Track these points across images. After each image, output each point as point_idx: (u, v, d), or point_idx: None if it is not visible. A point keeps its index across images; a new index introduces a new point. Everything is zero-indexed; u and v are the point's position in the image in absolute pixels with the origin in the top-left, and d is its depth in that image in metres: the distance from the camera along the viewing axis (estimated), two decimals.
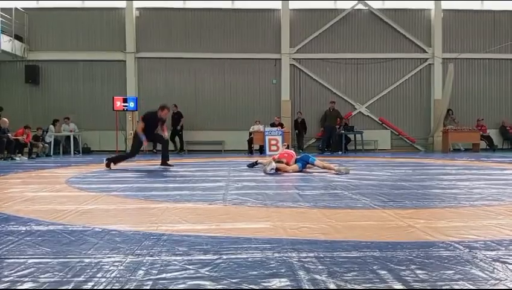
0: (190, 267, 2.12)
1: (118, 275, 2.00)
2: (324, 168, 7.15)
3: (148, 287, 1.85)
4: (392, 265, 2.13)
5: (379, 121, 16.09)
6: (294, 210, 3.70)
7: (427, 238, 2.69)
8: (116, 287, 1.85)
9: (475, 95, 16.37)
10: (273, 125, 14.27)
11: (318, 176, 6.58)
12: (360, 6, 15.96)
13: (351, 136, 15.28)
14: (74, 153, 13.85)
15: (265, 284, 1.88)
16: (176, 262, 2.20)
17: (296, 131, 15.40)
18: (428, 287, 1.84)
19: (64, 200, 4.36)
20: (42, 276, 2.00)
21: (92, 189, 5.18)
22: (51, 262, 2.22)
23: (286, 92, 15.74)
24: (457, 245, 2.51)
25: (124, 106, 14.53)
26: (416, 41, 15.97)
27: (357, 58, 15.99)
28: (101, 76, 15.67)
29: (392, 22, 15.89)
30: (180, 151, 14.68)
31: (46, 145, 13.30)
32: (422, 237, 2.73)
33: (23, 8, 15.02)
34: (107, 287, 1.85)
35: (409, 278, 1.96)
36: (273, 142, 13.37)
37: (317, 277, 1.97)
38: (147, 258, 2.28)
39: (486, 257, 2.26)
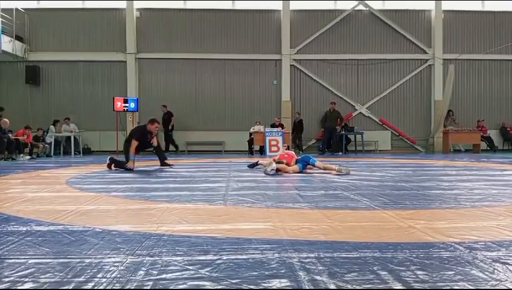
0: (190, 267, 2.12)
1: (118, 276, 2.00)
2: (325, 169, 7.16)
3: (148, 288, 1.85)
4: (392, 266, 2.13)
5: (379, 122, 16.10)
6: (294, 211, 3.70)
7: (428, 239, 2.69)
8: (117, 288, 1.85)
9: (475, 96, 16.38)
10: (273, 126, 14.27)
11: (318, 176, 6.57)
12: (361, 7, 15.97)
13: (352, 136, 15.28)
14: (74, 154, 13.85)
15: (265, 284, 1.88)
16: (176, 263, 2.20)
17: (294, 132, 15.40)
18: (429, 288, 1.84)
19: (65, 200, 4.36)
20: (42, 276, 2.00)
21: (93, 189, 5.18)
22: (51, 262, 2.22)
23: (286, 93, 15.75)
24: (457, 246, 2.50)
25: (124, 106, 14.55)
26: (416, 42, 15.98)
27: (358, 59, 16.00)
28: (101, 77, 15.69)
29: (392, 23, 15.90)
30: (177, 151, 14.62)
31: (47, 145, 13.32)
32: (423, 238, 2.72)
33: (23, 9, 15.05)
34: (107, 288, 1.85)
35: (409, 278, 1.96)
36: (273, 142, 13.38)
37: (318, 277, 1.97)
38: (147, 258, 2.28)
39: (487, 258, 2.26)
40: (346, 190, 4.99)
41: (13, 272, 2.06)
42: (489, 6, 16.29)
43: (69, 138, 14.13)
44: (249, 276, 1.99)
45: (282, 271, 2.06)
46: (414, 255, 2.31)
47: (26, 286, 1.89)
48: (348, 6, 15.94)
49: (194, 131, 15.57)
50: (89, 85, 15.64)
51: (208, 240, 2.68)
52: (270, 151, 13.09)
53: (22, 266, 2.15)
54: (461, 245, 2.52)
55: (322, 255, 2.31)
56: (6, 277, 2.00)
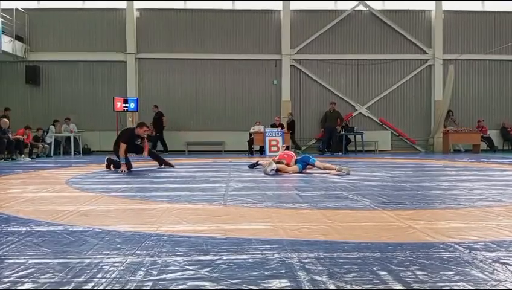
0: (190, 267, 2.12)
1: (118, 276, 2.00)
2: (324, 169, 7.16)
3: (148, 288, 1.85)
4: (392, 266, 2.13)
5: (379, 122, 16.10)
6: (294, 211, 3.70)
7: (427, 239, 2.69)
8: (116, 288, 1.85)
9: (475, 96, 16.38)
10: (273, 125, 14.27)
11: (318, 177, 6.57)
12: (361, 7, 15.98)
13: (351, 137, 15.28)
14: (74, 154, 13.86)
15: (265, 285, 1.88)
16: (176, 263, 2.20)
17: (290, 132, 15.31)
18: (428, 288, 1.84)
19: (65, 200, 4.36)
20: (42, 276, 2.00)
21: (92, 190, 5.18)
22: (51, 262, 2.22)
23: (286, 93, 15.75)
24: (457, 246, 2.50)
25: (124, 106, 14.55)
26: (416, 42, 15.98)
27: (358, 59, 16.00)
28: (101, 77, 15.70)
29: (392, 23, 15.90)
30: (164, 151, 14.38)
31: (47, 145, 13.32)
32: (423, 238, 2.73)
33: (23, 9, 15.05)
34: (107, 288, 1.85)
35: (409, 279, 1.96)
36: (273, 143, 13.38)
37: (317, 277, 1.97)
38: (147, 258, 2.28)
39: (486, 258, 2.26)
40: (346, 190, 4.99)
41: (13, 272, 2.07)
42: (489, 7, 16.29)
43: (69, 138, 14.13)
44: (249, 276, 1.99)
45: (282, 271, 2.06)
46: (414, 256, 2.31)
47: (26, 286, 1.89)
48: (348, 6, 15.94)
49: (194, 131, 15.57)
50: (89, 85, 15.64)
51: (208, 240, 2.68)
52: (270, 151, 13.09)
53: (22, 266, 2.15)
54: (461, 245, 2.52)
55: (321, 256, 2.31)
56: (6, 277, 2.00)
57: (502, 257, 2.28)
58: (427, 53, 16.03)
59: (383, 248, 2.48)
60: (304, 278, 1.96)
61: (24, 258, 2.29)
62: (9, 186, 5.74)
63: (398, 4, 16.13)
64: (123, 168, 7.61)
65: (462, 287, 1.85)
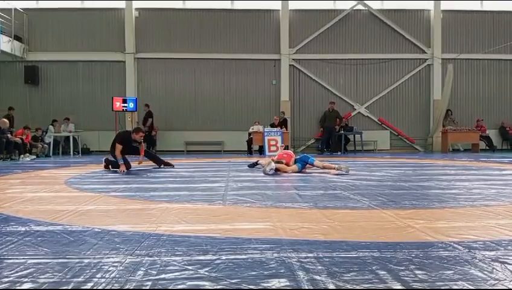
0: (189, 267, 2.12)
1: (117, 276, 2.00)
2: (324, 168, 7.16)
3: (147, 288, 1.85)
4: (391, 265, 2.14)
5: (378, 122, 16.11)
6: (293, 210, 3.70)
7: (427, 239, 2.69)
8: (116, 288, 1.85)
9: (474, 95, 16.40)
10: (272, 125, 14.27)
11: (317, 176, 6.58)
12: (360, 6, 15.98)
13: (351, 136, 15.29)
14: (73, 154, 13.85)
15: (264, 284, 1.88)
16: (175, 262, 2.20)
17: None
18: (428, 288, 1.85)
19: (64, 200, 4.36)
20: (41, 276, 2.00)
21: (91, 189, 5.18)
22: (50, 262, 2.22)
23: (285, 93, 15.75)
24: (456, 245, 2.51)
25: (123, 106, 14.53)
26: (415, 41, 15.99)
27: (357, 59, 16.01)
28: (100, 76, 15.68)
29: (391, 23, 15.91)
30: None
31: (46, 145, 13.31)
32: (422, 238, 2.73)
33: (22, 9, 15.03)
34: (106, 288, 1.85)
35: (408, 278, 1.96)
36: (272, 142, 13.38)
37: (317, 277, 1.97)
38: (146, 258, 2.28)
39: (486, 257, 2.27)
40: (345, 189, 4.99)
41: (12, 272, 2.06)
42: (488, 6, 16.31)
43: (68, 138, 14.12)
44: (248, 276, 1.99)
45: (282, 271, 2.06)
46: (413, 255, 2.31)
47: (25, 286, 1.88)
48: (347, 6, 15.95)
49: (193, 131, 15.57)
50: (87, 85, 15.63)
51: (207, 240, 2.68)
52: (269, 151, 13.09)
53: (21, 266, 2.15)
54: (460, 245, 2.52)
55: (321, 255, 2.32)
56: (6, 277, 2.00)
57: (501, 256, 2.29)
58: (426, 52, 16.04)
59: (382, 247, 2.48)
60: (304, 277, 1.96)
61: (23, 258, 2.29)
62: (8, 186, 5.74)
63: (397, 4, 16.14)
64: (122, 168, 7.61)
65: (461, 287, 1.85)
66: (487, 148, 15.26)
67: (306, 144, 15.95)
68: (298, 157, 7.50)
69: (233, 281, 1.93)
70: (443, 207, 3.87)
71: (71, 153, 13.83)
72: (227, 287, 1.85)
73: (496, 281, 1.91)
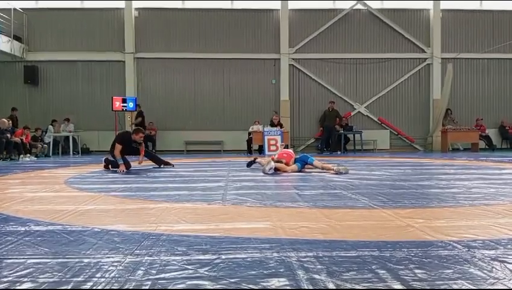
0: (189, 267, 2.12)
1: (117, 275, 2.00)
2: (323, 168, 7.16)
3: (147, 287, 1.85)
4: (390, 264, 2.14)
5: (378, 121, 16.11)
6: (293, 210, 3.70)
7: (426, 238, 2.69)
8: (115, 287, 1.85)
9: (474, 94, 16.40)
10: (272, 124, 14.27)
11: (317, 176, 6.58)
12: (359, 6, 15.98)
13: (350, 136, 15.29)
14: (73, 154, 13.85)
15: (264, 283, 1.88)
16: (175, 262, 2.20)
17: None
18: (427, 287, 1.85)
19: (63, 200, 4.36)
20: (41, 276, 2.00)
21: (91, 189, 5.18)
22: (50, 262, 2.22)
23: (285, 92, 15.75)
24: (456, 244, 2.51)
25: (123, 106, 14.52)
26: (415, 41, 15.99)
27: (356, 58, 16.01)
28: (100, 76, 15.68)
29: (391, 22, 15.91)
30: None
31: (45, 145, 13.30)
32: (421, 237, 2.73)
33: (22, 9, 15.02)
34: (106, 287, 1.85)
35: (407, 277, 1.96)
36: (272, 142, 13.38)
37: (316, 276, 1.97)
38: (146, 258, 2.28)
39: (485, 256, 2.27)
40: (344, 189, 5.00)
41: (12, 272, 2.06)
42: (488, 6, 16.30)
43: (67, 137, 14.12)
44: (248, 275, 1.99)
45: (281, 270, 2.06)
46: (412, 254, 2.32)
47: (25, 286, 1.89)
48: (346, 5, 15.94)
49: (193, 130, 15.56)
50: (87, 85, 15.63)
51: (207, 239, 2.68)
52: (269, 150, 13.08)
53: (21, 266, 2.15)
54: (459, 244, 2.52)
55: (320, 254, 2.32)
56: (5, 276, 2.00)
57: (500, 255, 2.29)
58: (425, 52, 16.04)
59: (381, 246, 2.48)
60: (303, 277, 1.96)
61: (23, 258, 2.29)
62: (8, 186, 5.74)
63: (397, 3, 16.14)
64: (122, 168, 7.61)
65: (460, 286, 1.85)
66: (487, 147, 15.27)
67: (306, 144, 15.95)
68: (298, 157, 7.50)
69: (233, 280, 1.93)
70: (442, 206, 3.87)
71: (71, 153, 13.83)
72: (227, 287, 1.85)
73: (496, 280, 1.92)
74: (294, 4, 15.80)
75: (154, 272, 2.05)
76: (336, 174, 6.73)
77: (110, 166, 8.09)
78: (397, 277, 1.97)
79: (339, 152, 14.30)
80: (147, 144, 13.82)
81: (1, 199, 4.48)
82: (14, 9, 14.48)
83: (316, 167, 7.24)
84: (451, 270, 2.05)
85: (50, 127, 14.11)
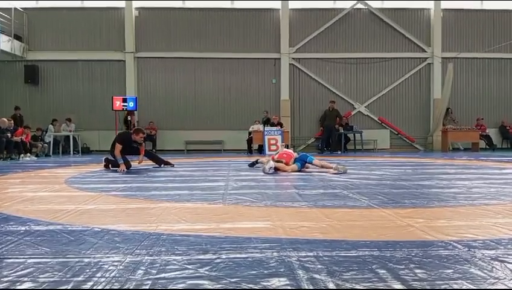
0: (189, 266, 2.12)
1: (117, 275, 2.00)
2: (322, 167, 7.16)
3: (147, 287, 1.85)
4: (391, 264, 2.14)
5: (378, 121, 16.10)
6: (293, 210, 3.70)
7: (426, 238, 2.69)
8: (116, 287, 1.85)
9: (474, 94, 16.39)
10: (272, 124, 14.27)
11: (317, 175, 6.58)
12: (360, 5, 15.96)
13: (351, 135, 15.28)
14: (73, 153, 13.85)
15: (264, 283, 1.88)
16: (175, 262, 2.20)
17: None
18: (427, 287, 1.85)
19: (64, 200, 4.36)
20: (41, 276, 2.00)
21: (91, 189, 5.18)
22: (50, 262, 2.22)
23: (285, 92, 15.75)
24: (456, 244, 2.51)
25: (123, 105, 14.51)
26: (415, 40, 15.98)
27: (357, 58, 16.00)
28: (100, 76, 15.68)
29: (391, 22, 15.89)
30: None
31: (46, 145, 13.31)
32: (421, 236, 2.73)
33: (22, 8, 15.02)
34: (106, 287, 1.85)
35: (408, 277, 1.96)
36: (272, 141, 13.38)
37: (317, 276, 1.97)
38: (146, 257, 2.28)
39: (485, 256, 2.27)
40: (345, 188, 4.99)
41: (12, 271, 2.07)
42: (488, 5, 16.29)
43: (68, 137, 14.12)
44: (248, 275, 2.00)
45: (281, 270, 2.06)
46: (413, 254, 2.32)
47: (25, 285, 1.89)
48: (347, 5, 15.93)
49: (193, 130, 15.56)
50: (87, 84, 15.63)
51: (207, 239, 2.68)
52: (269, 150, 13.08)
53: (21, 266, 2.15)
54: (460, 243, 2.52)
55: (320, 254, 2.32)
56: (5, 276, 2.00)
57: (500, 255, 2.29)
58: (426, 51, 16.03)
59: (382, 246, 2.48)
60: (303, 276, 1.96)
61: (23, 258, 2.29)
62: (8, 185, 5.74)
63: (397, 3, 16.12)
64: (122, 167, 7.61)
65: (461, 285, 1.85)
66: (487, 147, 15.26)
67: (306, 143, 15.95)
68: (297, 156, 7.50)
69: (233, 280, 1.93)
70: (443, 206, 3.87)
71: (71, 152, 13.83)
72: (227, 286, 1.85)
73: (496, 280, 1.92)
74: (294, 3, 15.79)
75: (155, 271, 2.05)
76: (335, 173, 6.73)
77: (110, 166, 8.09)
78: (397, 276, 1.97)
79: (339, 152, 14.30)
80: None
81: (1, 198, 4.48)
82: (15, 8, 14.48)
83: (316, 166, 7.24)
84: (452, 270, 2.05)
85: (50, 126, 14.11)
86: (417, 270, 2.04)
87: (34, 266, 2.15)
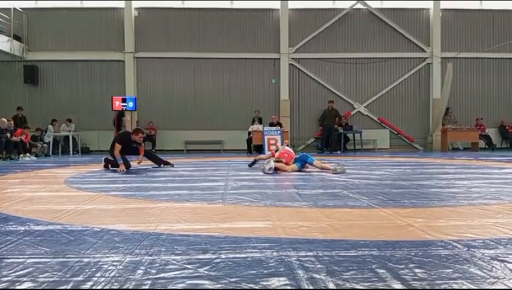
0: (189, 266, 2.12)
1: (116, 275, 2.00)
2: (322, 168, 7.15)
3: (147, 287, 1.85)
4: (390, 264, 2.14)
5: (378, 121, 16.11)
6: (293, 209, 3.70)
7: (426, 237, 2.69)
8: (115, 287, 1.85)
9: (474, 94, 16.40)
10: (271, 124, 14.27)
11: (317, 175, 6.58)
12: (359, 5, 15.97)
13: (350, 135, 15.28)
14: (73, 153, 13.84)
15: (264, 283, 1.88)
16: (174, 261, 2.20)
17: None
18: (427, 286, 1.85)
19: (63, 200, 4.36)
20: (41, 276, 2.00)
21: (91, 189, 5.18)
22: (49, 262, 2.22)
23: (285, 92, 15.75)
24: (455, 244, 2.51)
25: (123, 105, 14.50)
26: (415, 40, 15.99)
27: (356, 58, 16.00)
28: (99, 76, 15.67)
29: (390, 22, 15.90)
30: None
31: (45, 145, 13.30)
32: (421, 236, 2.73)
33: (21, 8, 15.01)
34: (105, 287, 1.85)
35: (407, 277, 1.96)
36: (272, 141, 13.37)
37: (316, 276, 1.97)
38: (145, 257, 2.28)
39: (485, 256, 2.27)
40: (344, 188, 4.99)
41: (11, 271, 2.06)
42: (488, 5, 16.30)
43: (67, 137, 14.11)
44: (248, 275, 1.99)
45: (281, 270, 2.06)
46: (412, 254, 2.32)
47: (25, 285, 1.88)
48: (346, 5, 15.93)
49: (193, 130, 15.55)
50: (87, 84, 15.62)
51: (207, 239, 2.68)
52: (269, 150, 13.06)
53: (21, 266, 2.15)
54: (459, 243, 2.52)
55: (320, 254, 2.32)
56: (5, 276, 2.00)
57: (500, 255, 2.29)
58: (425, 51, 16.03)
59: (381, 246, 2.48)
60: (303, 276, 1.96)
61: (23, 258, 2.29)
62: (7, 185, 5.73)
63: (397, 3, 16.12)
64: (122, 167, 7.61)
65: (460, 285, 1.85)
66: (487, 147, 15.27)
67: (306, 143, 15.95)
68: (297, 156, 7.50)
69: (232, 279, 1.93)
70: (442, 206, 3.87)
71: (71, 152, 13.82)
72: (227, 286, 1.85)
73: (495, 280, 1.92)
74: (294, 4, 15.79)
75: (154, 271, 2.05)
76: (333, 173, 6.73)
77: (109, 166, 8.08)
78: (397, 276, 1.97)
79: (338, 152, 14.30)
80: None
81: (1, 198, 4.48)
82: (14, 8, 14.47)
83: (316, 167, 7.24)
84: (451, 270, 2.05)
85: (50, 126, 14.10)
86: (417, 270, 2.04)
87: (33, 266, 2.15)
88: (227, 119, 15.77)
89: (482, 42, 16.10)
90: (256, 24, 15.86)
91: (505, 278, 1.94)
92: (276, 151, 7.94)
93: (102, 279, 1.94)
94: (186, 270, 2.06)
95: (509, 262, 2.16)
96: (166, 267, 2.11)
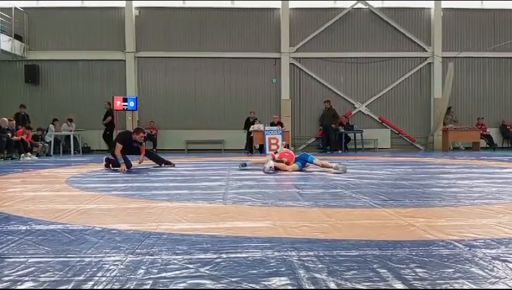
0: (190, 266, 2.12)
1: (118, 274, 2.00)
2: (323, 166, 7.16)
3: (148, 287, 1.85)
4: (392, 264, 2.14)
5: (379, 120, 16.10)
6: (294, 209, 3.70)
7: (427, 237, 2.69)
8: (116, 287, 1.85)
9: (475, 93, 16.39)
10: (272, 124, 14.27)
11: (318, 174, 6.57)
12: (360, 5, 15.96)
13: (351, 135, 15.28)
14: (74, 153, 13.86)
15: (265, 283, 1.88)
16: (176, 261, 2.20)
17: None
18: (428, 286, 1.84)
19: (64, 199, 4.36)
20: (42, 275, 2.00)
21: (92, 188, 5.18)
22: (51, 261, 2.22)
23: (286, 91, 15.75)
24: (457, 244, 2.51)
25: (123, 105, 14.53)
26: (416, 40, 15.98)
27: (357, 57, 16.00)
28: (100, 75, 15.69)
29: (392, 21, 15.89)
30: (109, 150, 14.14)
31: (46, 144, 13.31)
32: (422, 236, 2.73)
33: (22, 8, 15.03)
34: (107, 287, 1.85)
35: (409, 276, 1.96)
36: (273, 141, 13.38)
37: (317, 275, 1.97)
38: (147, 257, 2.28)
39: (486, 256, 2.26)
40: (345, 188, 4.99)
41: (13, 271, 2.07)
42: (489, 5, 16.28)
43: (68, 137, 14.13)
44: (249, 274, 1.99)
45: (282, 269, 2.06)
46: (414, 253, 2.31)
47: (26, 285, 1.89)
48: (347, 4, 15.93)
49: (194, 130, 15.57)
50: (88, 84, 15.64)
51: (208, 238, 2.68)
52: (270, 149, 13.07)
53: (22, 265, 2.15)
54: (461, 243, 2.52)
55: (321, 254, 2.32)
56: (6, 275, 2.00)
57: (501, 255, 2.28)
58: (426, 51, 16.02)
59: (382, 245, 2.48)
60: (304, 276, 1.96)
61: (24, 257, 2.29)
62: (9, 185, 5.74)
63: (398, 2, 16.12)
64: (123, 167, 7.61)
65: (462, 285, 1.85)
66: (488, 146, 15.26)
67: (306, 143, 15.95)
68: (298, 156, 7.50)
69: (233, 279, 1.93)
70: (444, 205, 3.86)
71: (72, 152, 13.84)
72: (228, 286, 1.85)
73: (497, 279, 1.91)
74: (294, 3, 15.79)
75: (155, 271, 2.05)
76: (335, 172, 6.73)
77: (111, 165, 8.09)
78: (398, 276, 1.96)
79: (339, 151, 14.30)
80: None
81: (2, 198, 4.48)
82: (15, 8, 14.49)
83: (317, 165, 7.24)
84: (453, 270, 2.04)
85: (51, 126, 14.12)
86: (418, 270, 2.04)
87: (35, 265, 2.15)
88: (228, 118, 15.77)
89: (483, 42, 16.09)
90: (257, 23, 15.86)
91: (506, 278, 1.94)
92: (275, 153, 7.91)
93: (104, 279, 1.94)
94: (187, 270, 2.06)
95: (510, 262, 2.16)
96: (168, 266, 2.11)
